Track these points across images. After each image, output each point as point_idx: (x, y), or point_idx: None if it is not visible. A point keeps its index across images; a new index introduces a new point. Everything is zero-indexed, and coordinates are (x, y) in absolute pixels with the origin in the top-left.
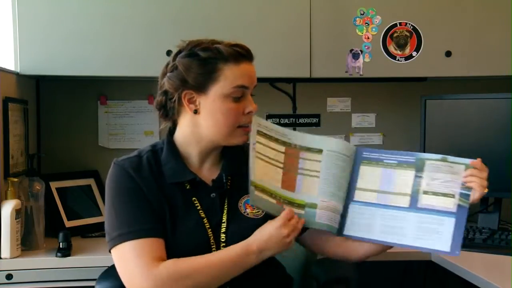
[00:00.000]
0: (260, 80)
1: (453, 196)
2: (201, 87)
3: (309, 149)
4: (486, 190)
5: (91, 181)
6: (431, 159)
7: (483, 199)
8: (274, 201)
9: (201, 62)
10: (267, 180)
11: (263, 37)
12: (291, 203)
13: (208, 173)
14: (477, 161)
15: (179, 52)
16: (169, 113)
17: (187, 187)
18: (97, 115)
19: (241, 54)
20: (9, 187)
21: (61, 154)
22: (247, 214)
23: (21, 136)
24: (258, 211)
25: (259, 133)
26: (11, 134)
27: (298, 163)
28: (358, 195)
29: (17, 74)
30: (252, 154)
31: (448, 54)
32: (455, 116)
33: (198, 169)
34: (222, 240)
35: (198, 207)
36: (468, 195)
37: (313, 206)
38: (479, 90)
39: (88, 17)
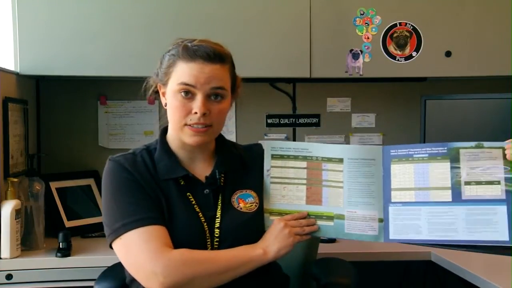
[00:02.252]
0: (260, 80)
1: (498, 182)
2: (163, 81)
3: (330, 160)
4: None
5: (91, 181)
6: (465, 147)
7: None
8: None
9: (167, 58)
10: (286, 202)
11: (263, 37)
12: (319, 216)
13: (202, 169)
14: None
15: None
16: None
17: (182, 183)
18: (97, 115)
19: (195, 54)
20: (9, 187)
21: (61, 154)
22: (241, 208)
23: (21, 136)
24: (251, 205)
25: (274, 156)
26: (11, 134)
27: (322, 175)
28: (395, 196)
29: (17, 74)
30: (267, 180)
31: (448, 54)
32: (455, 116)
33: (191, 166)
34: (216, 235)
35: (193, 202)
36: None
37: (341, 217)
38: (479, 90)
39: (88, 17)
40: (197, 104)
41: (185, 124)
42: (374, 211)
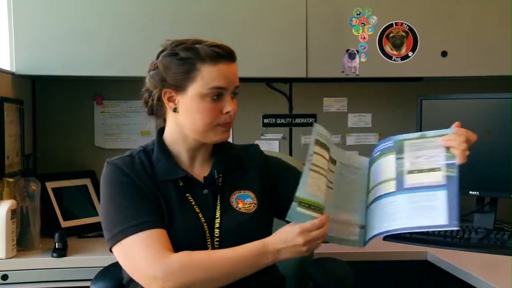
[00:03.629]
0: (257, 80)
1: (439, 169)
2: (180, 86)
3: (331, 160)
4: (466, 152)
5: (87, 181)
6: (409, 139)
7: (479, 199)
8: (317, 215)
9: (180, 62)
10: (315, 193)
11: (259, 37)
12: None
13: (200, 170)
14: (455, 124)
15: (162, 51)
16: (154, 110)
17: (180, 184)
18: (93, 115)
19: (220, 55)
20: (5, 187)
21: (57, 154)
22: (239, 209)
23: (17, 136)
24: (250, 206)
25: (317, 142)
26: (6, 134)
27: (327, 174)
28: (367, 201)
29: (12, 74)
30: (307, 166)
31: (444, 54)
32: (451, 116)
33: (190, 166)
34: (216, 235)
35: (192, 203)
36: (454, 164)
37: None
38: (475, 90)
39: (84, 16)
40: (228, 104)
41: (217, 125)
42: (356, 217)
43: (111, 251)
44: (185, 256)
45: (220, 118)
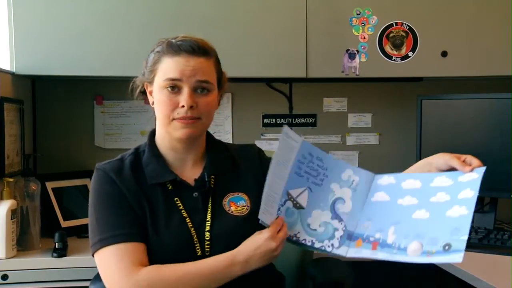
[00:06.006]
0: (257, 80)
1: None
2: (150, 79)
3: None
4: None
5: (87, 181)
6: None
7: (479, 199)
8: None
9: (152, 56)
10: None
11: (259, 37)
12: None
13: (191, 172)
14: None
15: None
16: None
17: (169, 188)
18: (93, 115)
19: (180, 48)
20: (5, 187)
21: (57, 154)
22: (232, 212)
23: (17, 136)
24: (243, 209)
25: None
26: (6, 134)
27: None
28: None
29: (12, 74)
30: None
31: (444, 54)
32: (451, 116)
33: (180, 168)
34: (207, 238)
35: (180, 207)
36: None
37: None
38: (474, 90)
39: (84, 17)
40: (184, 98)
41: (173, 119)
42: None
43: (93, 256)
44: (154, 271)
45: (175, 111)
